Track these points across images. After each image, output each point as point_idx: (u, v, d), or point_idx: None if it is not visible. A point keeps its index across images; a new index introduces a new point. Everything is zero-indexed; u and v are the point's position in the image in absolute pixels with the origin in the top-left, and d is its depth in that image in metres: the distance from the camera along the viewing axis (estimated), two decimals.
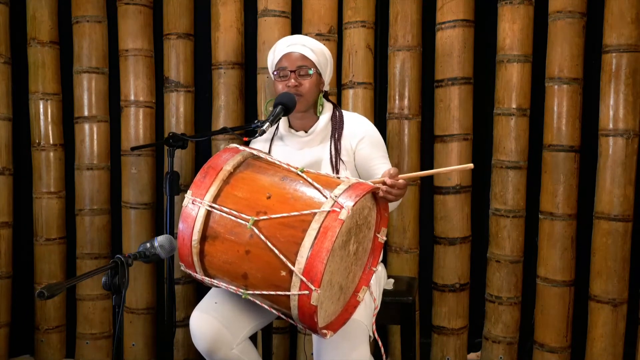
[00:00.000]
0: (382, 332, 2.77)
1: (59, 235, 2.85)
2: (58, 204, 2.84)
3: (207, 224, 1.62)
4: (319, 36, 2.62)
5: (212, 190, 1.64)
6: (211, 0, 2.74)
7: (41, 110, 2.80)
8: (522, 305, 2.70)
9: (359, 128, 2.03)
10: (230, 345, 1.79)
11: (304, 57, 1.97)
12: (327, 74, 2.06)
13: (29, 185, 2.85)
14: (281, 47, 2.01)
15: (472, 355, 2.83)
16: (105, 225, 2.84)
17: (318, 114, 2.02)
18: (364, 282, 1.79)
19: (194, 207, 1.64)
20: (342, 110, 2.08)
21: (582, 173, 2.57)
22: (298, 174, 1.66)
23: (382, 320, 2.06)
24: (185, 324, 2.77)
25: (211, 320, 1.80)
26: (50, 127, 2.82)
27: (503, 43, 2.58)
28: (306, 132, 2.03)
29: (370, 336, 1.81)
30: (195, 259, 1.66)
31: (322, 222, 1.51)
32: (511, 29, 2.55)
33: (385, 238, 1.82)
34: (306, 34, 2.63)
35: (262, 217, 1.56)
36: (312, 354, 2.55)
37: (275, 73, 2.01)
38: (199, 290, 2.84)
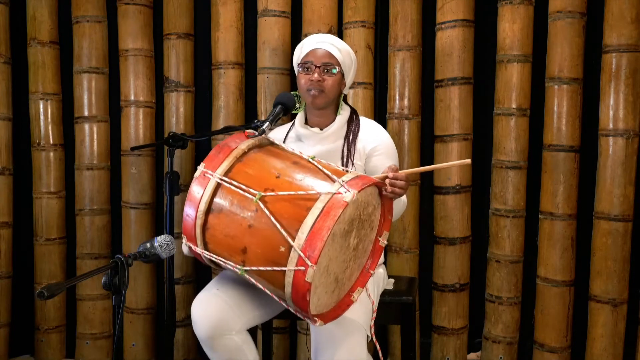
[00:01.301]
0: (382, 332, 2.77)
1: (59, 235, 2.85)
2: (58, 204, 2.84)
3: (215, 195, 1.66)
4: None
5: (225, 165, 1.68)
6: (211, 0, 2.74)
7: (41, 110, 2.80)
8: (522, 305, 2.70)
9: (376, 136, 2.06)
10: (232, 328, 1.79)
11: (330, 55, 1.99)
12: (350, 76, 2.08)
13: (29, 185, 2.85)
14: (309, 43, 2.03)
15: (472, 355, 2.83)
16: (105, 225, 2.84)
17: (339, 114, 2.05)
18: (360, 283, 1.80)
19: (205, 178, 1.67)
20: (361, 116, 2.11)
21: (582, 173, 2.57)
22: (309, 161, 1.71)
23: (382, 320, 2.06)
24: (185, 324, 2.77)
25: (214, 302, 1.81)
26: (50, 127, 2.82)
27: (503, 43, 2.58)
28: (321, 129, 2.05)
29: (368, 336, 1.81)
30: (198, 230, 1.68)
31: (327, 202, 1.54)
32: (511, 29, 2.55)
33: (386, 242, 1.84)
34: (306, 34, 2.64)
35: (268, 193, 1.60)
36: None
37: (300, 67, 2.03)
38: (199, 290, 2.82)
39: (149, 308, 2.84)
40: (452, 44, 2.59)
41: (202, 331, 1.79)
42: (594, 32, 2.52)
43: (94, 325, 2.85)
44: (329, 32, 2.66)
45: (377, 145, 2.03)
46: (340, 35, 2.70)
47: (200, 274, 2.84)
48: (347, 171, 1.71)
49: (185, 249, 1.79)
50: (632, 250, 2.52)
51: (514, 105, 2.59)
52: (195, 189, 1.68)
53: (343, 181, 1.59)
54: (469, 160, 1.84)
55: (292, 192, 1.59)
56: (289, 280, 1.55)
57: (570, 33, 2.49)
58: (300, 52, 2.05)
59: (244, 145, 1.73)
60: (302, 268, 1.51)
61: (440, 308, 2.73)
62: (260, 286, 1.67)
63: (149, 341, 2.85)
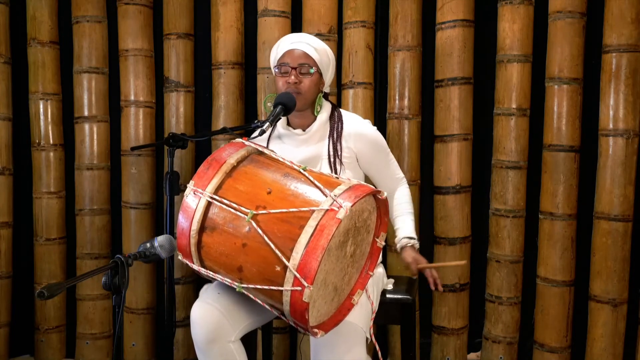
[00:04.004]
0: (382, 332, 2.77)
1: (59, 235, 2.85)
2: (58, 204, 2.84)
3: (207, 215, 1.63)
4: (319, 36, 2.61)
5: (214, 182, 1.65)
6: (211, 0, 2.74)
7: (41, 110, 2.80)
8: (522, 305, 2.70)
9: (358, 129, 2.03)
10: (229, 336, 1.78)
11: (306, 55, 1.97)
12: (329, 75, 2.06)
13: (29, 185, 2.85)
14: (285, 44, 2.01)
15: (472, 355, 2.83)
16: (105, 225, 2.84)
17: (316, 114, 2.02)
18: (359, 285, 1.79)
19: (195, 197, 1.65)
20: (342, 111, 2.08)
21: (582, 173, 2.57)
22: (300, 172, 1.66)
23: (382, 320, 2.06)
24: (185, 324, 2.77)
25: (213, 309, 1.79)
26: (50, 127, 2.82)
27: (503, 43, 2.58)
28: (304, 130, 2.03)
29: (367, 338, 1.80)
30: (193, 249, 1.66)
31: (320, 220, 1.51)
32: (511, 29, 2.55)
33: (384, 243, 1.82)
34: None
35: (261, 212, 1.57)
36: None
37: (276, 69, 2.01)
38: (199, 290, 2.83)
39: (149, 308, 2.84)
40: (452, 44, 2.59)
41: (200, 336, 1.78)
42: (594, 32, 2.52)
43: (94, 325, 2.85)
44: (329, 32, 2.66)
45: (361, 139, 2.01)
46: (340, 35, 2.70)
47: None
48: (339, 179, 1.68)
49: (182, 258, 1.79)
50: (632, 250, 2.52)
51: (514, 105, 2.59)
52: (187, 208, 1.65)
53: (335, 195, 1.55)
54: (464, 262, 1.90)
55: (285, 210, 1.55)
56: (286, 299, 1.53)
57: (570, 33, 2.49)
58: (276, 53, 2.03)
59: (233, 159, 1.69)
60: (299, 288, 1.49)
61: (440, 308, 2.73)
62: (259, 301, 1.66)
63: (149, 341, 2.85)
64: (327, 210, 1.52)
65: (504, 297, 2.66)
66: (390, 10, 2.67)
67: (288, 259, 1.51)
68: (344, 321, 1.74)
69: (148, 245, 1.51)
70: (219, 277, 1.68)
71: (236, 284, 1.63)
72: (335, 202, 1.53)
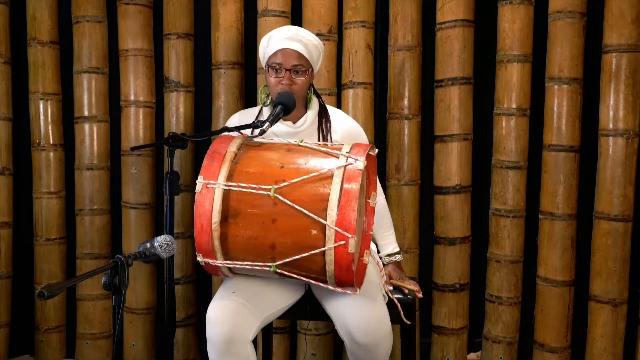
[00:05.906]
0: None
1: (59, 235, 2.85)
2: (58, 204, 2.84)
3: (227, 203, 1.64)
4: (318, 36, 2.61)
5: (224, 171, 1.67)
6: (211, 0, 2.74)
7: (41, 110, 2.80)
8: (522, 305, 2.70)
9: (345, 124, 2.09)
10: (247, 336, 1.75)
11: (299, 56, 1.96)
12: (319, 64, 2.07)
13: (29, 185, 2.85)
14: (277, 40, 1.98)
15: (472, 355, 2.84)
16: (105, 225, 2.84)
17: (309, 108, 2.05)
18: (365, 245, 1.86)
19: (209, 190, 1.65)
20: (328, 106, 2.12)
21: (582, 173, 2.57)
22: (300, 145, 1.74)
23: None
24: (186, 324, 2.77)
25: (231, 303, 1.77)
26: (50, 127, 2.82)
27: (503, 43, 2.58)
28: (294, 123, 2.04)
29: (384, 296, 1.88)
30: (216, 243, 1.66)
31: (343, 175, 1.59)
32: (511, 29, 2.55)
33: (376, 202, 1.91)
34: None
35: (282, 184, 1.61)
36: (312, 354, 2.55)
37: (268, 66, 2.00)
38: (199, 290, 2.84)
39: (149, 308, 2.84)
40: (452, 44, 2.59)
41: (219, 335, 1.73)
42: (594, 32, 2.52)
43: (94, 325, 2.85)
44: (329, 32, 2.66)
45: (348, 134, 2.06)
46: (340, 35, 2.70)
47: (201, 274, 2.84)
48: (335, 144, 1.76)
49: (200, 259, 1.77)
50: (632, 250, 2.52)
51: (514, 105, 2.59)
52: (203, 204, 1.64)
53: (347, 153, 1.64)
54: (420, 295, 2.05)
55: (305, 176, 1.61)
56: (330, 258, 1.58)
57: (570, 33, 2.49)
58: (267, 47, 2.00)
59: (233, 147, 1.72)
60: (343, 242, 1.55)
61: (440, 308, 2.73)
62: (294, 275, 1.67)
63: (149, 341, 2.85)
64: (346, 165, 1.60)
65: (504, 297, 2.66)
66: (390, 10, 2.67)
67: (324, 219, 1.56)
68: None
69: (148, 245, 1.51)
70: (247, 265, 1.68)
71: (269, 264, 1.64)
72: (350, 157, 1.62)
